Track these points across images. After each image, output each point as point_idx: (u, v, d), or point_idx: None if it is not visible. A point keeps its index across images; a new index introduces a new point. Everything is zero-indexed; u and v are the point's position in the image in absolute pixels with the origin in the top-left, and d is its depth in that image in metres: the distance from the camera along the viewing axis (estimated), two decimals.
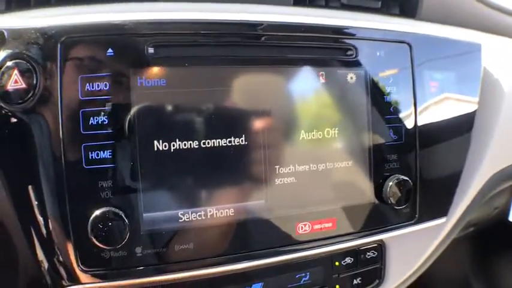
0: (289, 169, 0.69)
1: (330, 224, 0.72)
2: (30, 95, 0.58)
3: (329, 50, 0.73)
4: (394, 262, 0.84)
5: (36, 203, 0.62)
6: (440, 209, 0.84)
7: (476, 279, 1.76)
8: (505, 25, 1.06)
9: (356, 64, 0.72)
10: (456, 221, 0.89)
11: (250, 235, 0.68)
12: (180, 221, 0.63)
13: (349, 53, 0.72)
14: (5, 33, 0.59)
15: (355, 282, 0.81)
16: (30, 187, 0.61)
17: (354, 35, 0.74)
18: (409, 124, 0.77)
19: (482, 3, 1.01)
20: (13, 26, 0.60)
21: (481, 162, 0.89)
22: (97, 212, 0.59)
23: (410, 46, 0.77)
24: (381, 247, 0.82)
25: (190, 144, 0.63)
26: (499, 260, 1.71)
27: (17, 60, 0.58)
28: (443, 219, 0.84)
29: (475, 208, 0.93)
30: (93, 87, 0.59)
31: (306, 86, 0.70)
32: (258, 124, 0.68)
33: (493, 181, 0.93)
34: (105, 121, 0.59)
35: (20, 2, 0.69)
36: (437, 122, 0.82)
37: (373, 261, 0.82)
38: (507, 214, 1.22)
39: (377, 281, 0.83)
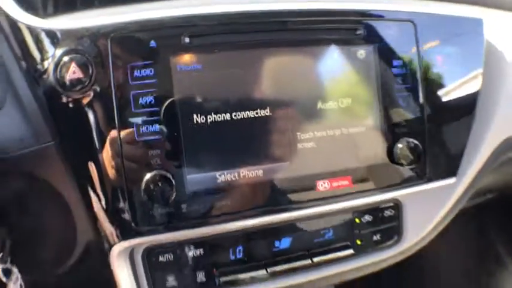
0: (309, 135, 0.76)
1: (346, 182, 0.78)
2: (87, 82, 0.65)
3: (341, 31, 0.78)
4: (411, 221, 0.91)
5: (95, 172, 0.69)
6: (449, 169, 0.88)
7: (504, 247, 1.78)
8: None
9: (366, 42, 0.78)
10: (469, 183, 0.94)
11: (278, 192, 0.76)
12: (217, 181, 0.71)
13: (358, 32, 0.77)
14: (58, 34, 0.67)
15: (374, 238, 0.88)
16: (89, 160, 0.69)
17: (362, 16, 0.79)
18: (415, 93, 0.83)
19: None
20: (64, 27, 0.68)
21: (489, 128, 0.93)
22: (148, 176, 0.67)
23: (414, 24, 0.82)
24: (397, 206, 0.89)
25: (224, 116, 0.71)
26: None
27: (74, 55, 0.65)
28: (453, 179, 0.88)
29: (488, 172, 0.97)
30: (140, 73, 0.67)
31: (322, 62, 0.76)
32: (281, 97, 0.75)
33: (504, 146, 0.96)
34: (152, 100, 0.67)
35: (67, 4, 0.76)
36: (443, 90, 0.86)
37: (391, 219, 0.89)
38: None
39: (395, 237, 0.90)
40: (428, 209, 0.93)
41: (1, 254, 0.75)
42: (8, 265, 0.77)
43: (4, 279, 0.77)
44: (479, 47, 0.90)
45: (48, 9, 0.75)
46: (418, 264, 1.72)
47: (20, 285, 0.80)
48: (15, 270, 0.78)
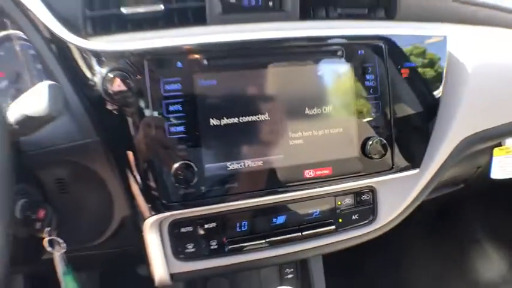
0: (299, 134, 0.87)
1: (327, 171, 0.90)
2: (129, 94, 0.77)
3: (324, 52, 0.89)
4: (384, 204, 1.03)
5: (133, 162, 0.81)
6: (413, 162, 0.99)
7: (484, 235, 1.96)
8: (471, 15, 1.16)
9: (344, 61, 0.89)
10: (432, 175, 1.04)
11: (274, 178, 0.87)
12: (228, 169, 0.84)
13: (339, 53, 0.88)
14: (102, 54, 0.78)
15: (353, 217, 1.01)
16: (129, 152, 0.81)
17: (342, 39, 0.90)
18: (384, 101, 0.93)
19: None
20: (107, 49, 0.78)
21: (450, 129, 1.03)
22: (176, 164, 0.80)
23: (384, 44, 0.92)
24: (372, 192, 1.01)
25: (233, 120, 0.83)
26: (504, 216, 1.89)
27: (117, 72, 0.76)
28: (416, 171, 0.99)
29: (451, 166, 1.07)
30: (170, 87, 0.79)
31: (309, 77, 0.88)
32: (276, 105, 0.86)
33: (464, 144, 1.06)
34: (179, 108, 0.80)
35: (104, 27, 0.85)
36: (408, 98, 0.96)
37: (367, 202, 1.02)
38: (488, 172, 1.29)
39: (371, 217, 1.03)
40: (398, 195, 1.04)
41: (49, 228, 0.86)
42: (54, 237, 0.87)
43: (49, 249, 0.87)
44: (442, 61, 0.99)
45: (87, 29, 0.84)
46: (398, 242, 1.85)
47: (62, 254, 0.90)
48: (60, 241, 0.88)
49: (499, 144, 1.26)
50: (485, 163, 1.33)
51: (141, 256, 0.94)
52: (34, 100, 0.72)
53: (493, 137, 1.17)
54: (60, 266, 0.91)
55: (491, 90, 1.10)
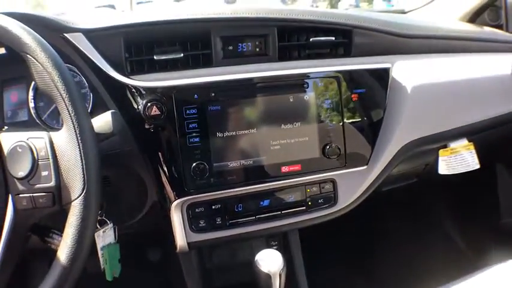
0: (277, 142, 1.09)
1: (298, 167, 1.13)
2: (162, 116, 0.98)
3: (295, 85, 1.11)
4: (342, 192, 1.23)
5: (163, 162, 1.02)
6: (361, 161, 1.20)
7: (449, 221, 2.11)
8: (413, 46, 1.35)
9: (309, 91, 1.11)
10: (381, 170, 1.24)
11: (260, 172, 1.09)
12: (228, 166, 1.06)
13: (304, 86, 1.10)
14: (142, 90, 1.00)
15: (319, 201, 1.21)
16: (161, 155, 1.02)
17: (306, 76, 1.12)
18: (339, 118, 1.14)
19: (392, 35, 1.29)
20: (145, 85, 0.99)
21: (394, 136, 1.23)
22: (194, 163, 1.02)
23: (339, 77, 1.13)
24: (333, 182, 1.21)
25: (232, 133, 1.05)
26: (466, 205, 2.05)
27: (154, 102, 0.97)
28: (364, 167, 1.20)
29: (397, 163, 1.27)
30: (189, 111, 1.02)
31: (285, 102, 1.09)
32: (261, 122, 1.07)
33: (407, 147, 1.26)
34: (195, 125, 1.02)
35: (138, 68, 1.05)
36: (357, 115, 1.16)
37: (329, 190, 1.22)
38: (436, 169, 1.41)
39: (332, 201, 1.23)
40: (353, 185, 1.24)
41: (100, 211, 1.03)
42: (104, 218, 1.08)
43: (99, 227, 1.05)
44: (385, 86, 1.19)
45: (128, 69, 1.04)
46: (372, 231, 2.08)
47: (113, 229, 1.11)
48: (108, 221, 1.10)
49: (445, 146, 1.40)
50: (432, 161, 1.47)
51: (156, 240, 1.22)
52: (103, 122, 1.02)
53: (430, 142, 1.33)
54: (100, 241, 1.09)
55: (428, 106, 1.28)
